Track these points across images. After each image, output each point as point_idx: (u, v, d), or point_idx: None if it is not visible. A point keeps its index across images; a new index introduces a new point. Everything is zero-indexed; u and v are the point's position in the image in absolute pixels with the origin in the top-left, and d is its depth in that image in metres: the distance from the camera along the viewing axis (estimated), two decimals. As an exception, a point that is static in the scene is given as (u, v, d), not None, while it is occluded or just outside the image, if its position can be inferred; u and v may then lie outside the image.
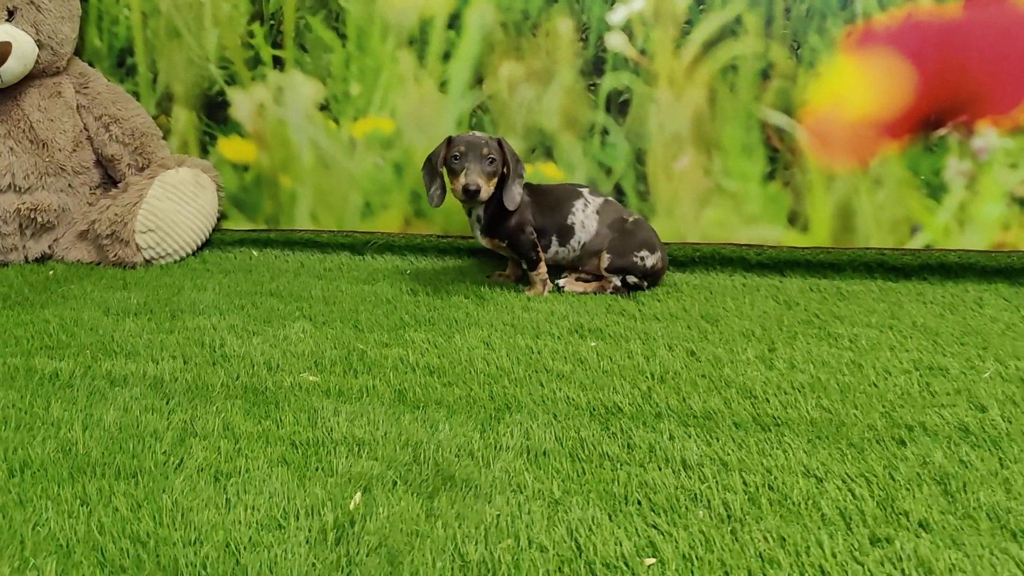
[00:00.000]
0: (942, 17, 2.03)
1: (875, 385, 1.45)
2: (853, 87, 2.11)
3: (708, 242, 2.27)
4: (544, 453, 1.20)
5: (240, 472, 1.15)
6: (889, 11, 2.06)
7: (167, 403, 1.37)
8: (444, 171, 1.95)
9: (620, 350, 1.63)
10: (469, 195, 1.86)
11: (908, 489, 1.10)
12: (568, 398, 1.39)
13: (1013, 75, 2.02)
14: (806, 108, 2.15)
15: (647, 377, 1.49)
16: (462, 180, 1.86)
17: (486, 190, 1.88)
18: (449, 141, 1.94)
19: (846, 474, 1.14)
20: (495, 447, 1.22)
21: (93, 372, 1.50)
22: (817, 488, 1.10)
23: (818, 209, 2.20)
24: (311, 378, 1.48)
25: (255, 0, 2.38)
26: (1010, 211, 2.11)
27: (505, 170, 1.96)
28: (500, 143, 1.93)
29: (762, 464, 1.16)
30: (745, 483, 1.12)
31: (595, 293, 2.06)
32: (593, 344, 1.67)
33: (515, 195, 1.96)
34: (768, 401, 1.38)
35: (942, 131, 2.10)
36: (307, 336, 1.71)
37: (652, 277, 2.06)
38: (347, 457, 1.19)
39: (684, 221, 2.27)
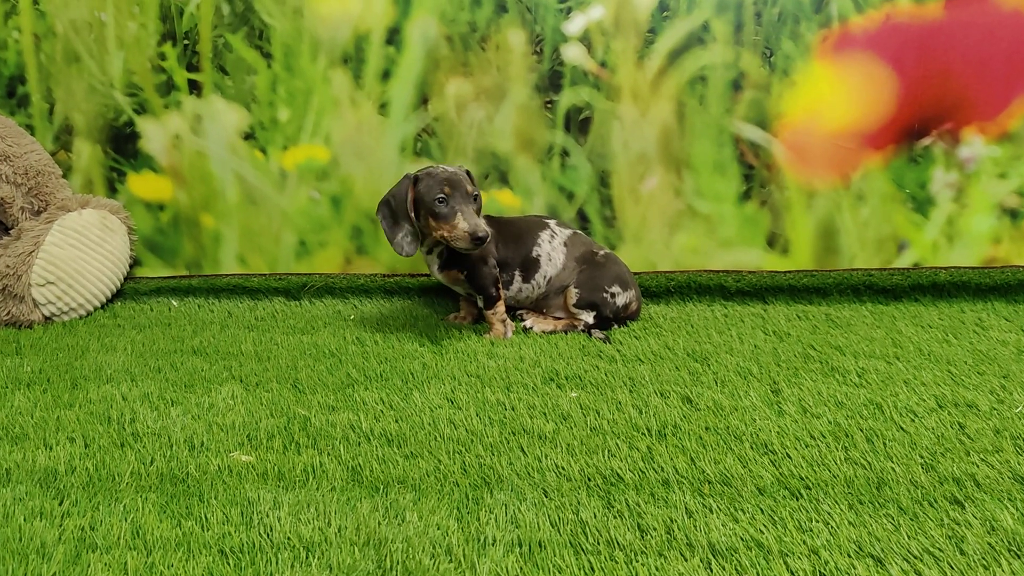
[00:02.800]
0: (922, 18, 1.90)
1: (903, 430, 1.27)
2: (831, 96, 1.96)
3: (682, 270, 2.08)
4: (540, 545, 0.97)
5: (152, 599, 0.88)
6: (866, 13, 1.92)
7: (60, 504, 1.09)
8: (412, 215, 1.71)
9: (606, 400, 1.41)
10: (478, 242, 1.63)
11: (985, 566, 0.90)
12: (557, 467, 1.16)
13: (999, 78, 1.89)
14: (782, 120, 2.00)
15: (644, 434, 1.27)
16: (463, 226, 1.64)
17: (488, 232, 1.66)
18: (416, 180, 1.70)
19: (907, 551, 0.94)
20: (478, 540, 0.98)
21: (-33, 465, 1.21)
22: (879, 573, 0.89)
23: (799, 229, 2.03)
24: (244, 458, 1.22)
25: (166, 18, 2.11)
26: (1000, 224, 1.97)
27: None
28: (469, 173, 1.75)
29: (805, 543, 0.95)
30: (792, 572, 0.90)
31: (564, 331, 1.84)
32: (574, 394, 1.44)
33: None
34: (790, 457, 1.18)
35: (927, 141, 1.96)
36: (237, 402, 1.44)
37: (623, 319, 1.86)
38: (292, 567, 0.93)
39: (655, 248, 2.08)
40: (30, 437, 1.31)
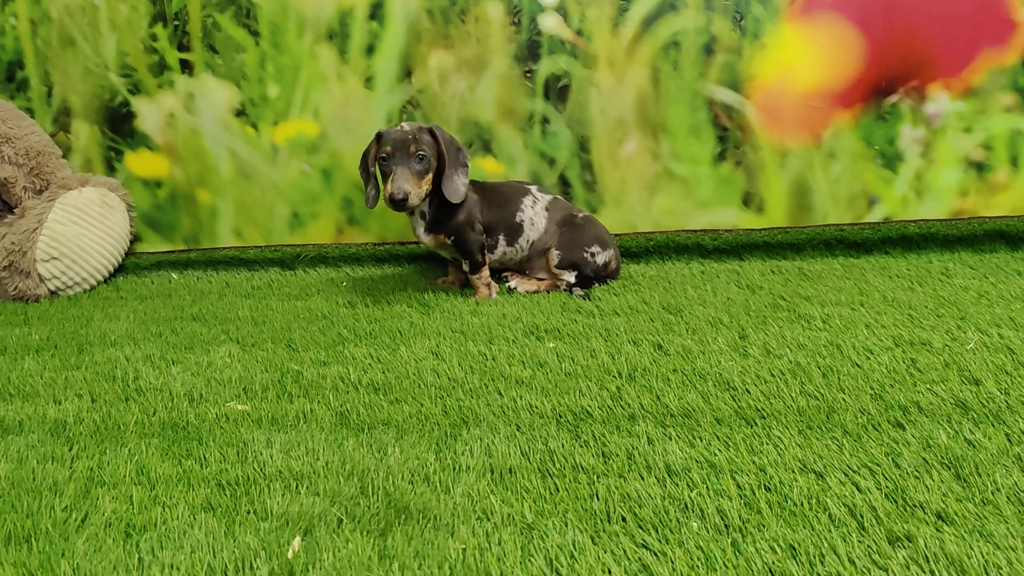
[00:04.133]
0: (886, -21, 1.96)
1: (858, 366, 1.34)
2: (800, 57, 2.02)
3: (661, 230, 2.15)
4: (510, 471, 1.05)
5: (156, 524, 0.97)
6: (832, -24, 1.98)
7: (70, 449, 1.18)
8: (377, 171, 1.80)
9: (582, 349, 1.49)
10: (395, 205, 1.70)
11: (917, 477, 0.98)
12: (531, 406, 1.25)
13: (961, 36, 1.96)
14: (754, 83, 2.06)
15: (615, 376, 1.35)
16: (387, 188, 1.71)
17: (416, 194, 1.72)
18: (378, 137, 1.78)
19: (847, 466, 1.02)
20: (453, 468, 1.07)
21: (-18, 420, 1.30)
22: (819, 485, 0.98)
23: (773, 188, 2.10)
24: (239, 407, 1.31)
25: (156, 0, 2.18)
26: (967, 177, 2.04)
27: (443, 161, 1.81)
28: (432, 132, 1.78)
29: (754, 463, 1.04)
30: (739, 486, 0.99)
31: (547, 291, 1.92)
32: (552, 345, 1.53)
33: (458, 186, 1.80)
34: (749, 392, 1.26)
35: (894, 98, 2.03)
36: (234, 360, 1.53)
37: (604, 277, 1.94)
38: (283, 495, 1.02)
39: (634, 210, 2.15)
40: (40, 394, 1.39)
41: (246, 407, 1.31)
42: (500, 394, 1.30)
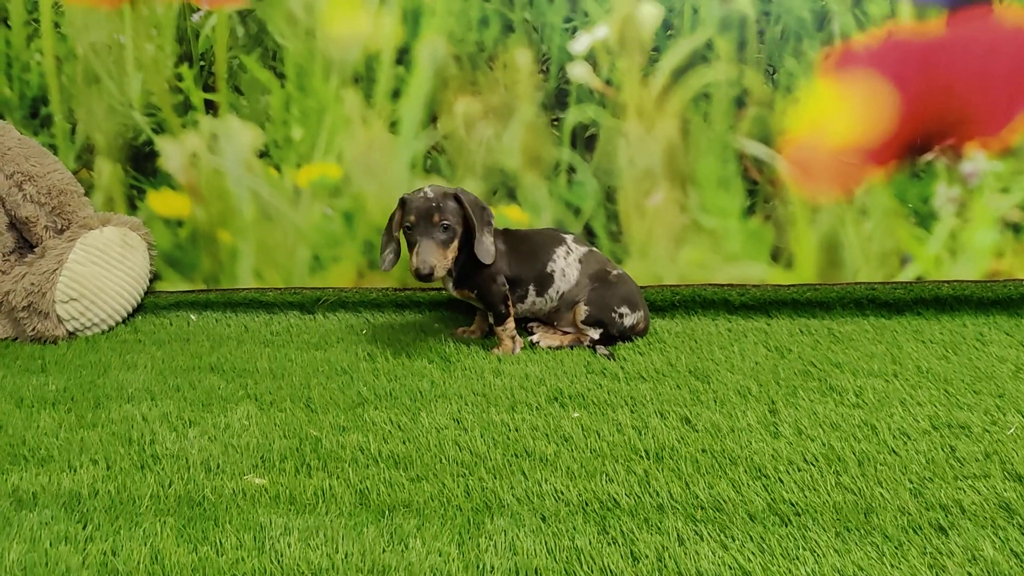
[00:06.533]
0: (924, 35, 1.92)
1: (895, 452, 1.30)
2: (834, 112, 1.98)
3: (687, 284, 2.11)
4: (536, 572, 1.02)
5: (169, 625, 0.94)
6: (868, 30, 1.93)
7: (84, 527, 1.15)
8: (400, 235, 1.80)
9: (607, 421, 1.45)
10: (421, 279, 1.69)
11: (964, 596, 0.94)
12: (556, 492, 1.21)
13: (1001, 94, 1.91)
14: (785, 136, 2.02)
15: (642, 457, 1.31)
16: (413, 261, 1.70)
17: (442, 266, 1.71)
18: (402, 203, 1.76)
19: (889, 580, 0.97)
20: (477, 567, 1.03)
21: (-3, 488, 1.28)
22: (860, 603, 0.93)
23: (802, 243, 2.06)
24: (257, 481, 1.28)
25: (182, 40, 2.17)
26: (1003, 238, 1.99)
27: (470, 224, 1.79)
28: (457, 197, 1.76)
29: (791, 573, 0.99)
30: (776, 601, 0.94)
31: (571, 347, 1.88)
32: (576, 415, 1.49)
33: (488, 247, 1.79)
34: (782, 481, 1.22)
35: (929, 156, 1.98)
36: (252, 423, 1.50)
37: (629, 337, 1.90)
38: (301, 594, 0.99)
39: (660, 262, 2.11)
40: (55, 459, 1.37)
41: (263, 481, 1.28)
42: (524, 475, 1.26)
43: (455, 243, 1.75)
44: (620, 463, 1.29)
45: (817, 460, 1.28)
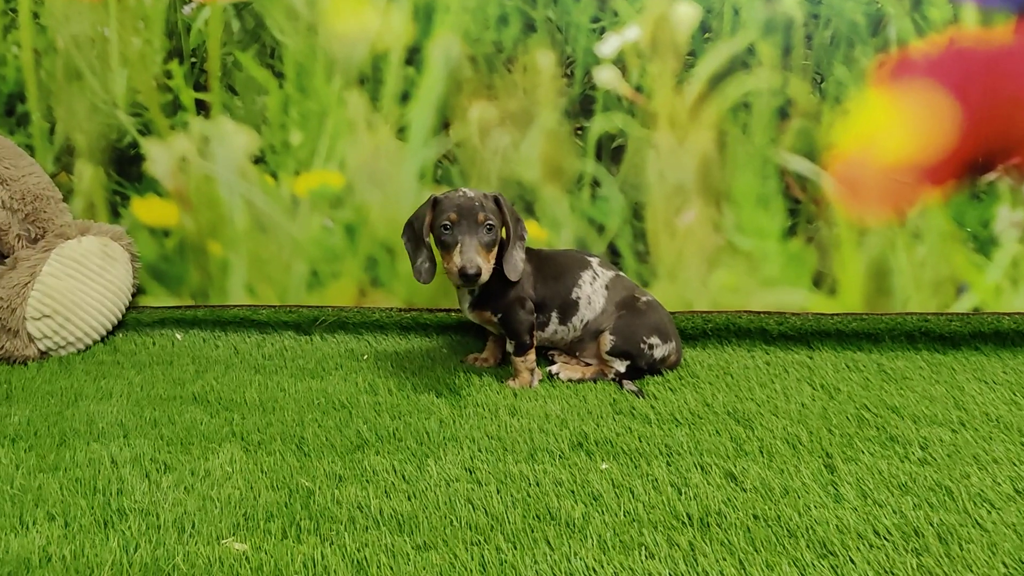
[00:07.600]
0: (990, 43, 1.75)
1: (980, 525, 1.12)
2: (887, 126, 1.82)
3: (720, 310, 1.94)
4: None
5: None
6: (928, 37, 1.76)
7: (28, 607, 0.97)
8: (431, 240, 1.60)
9: (641, 476, 1.27)
10: (467, 280, 1.49)
11: None
12: (588, 569, 1.03)
13: (1074, 110, 1.73)
14: (832, 152, 1.85)
15: (685, 524, 1.13)
16: (457, 260, 1.50)
17: (487, 269, 1.52)
18: (435, 203, 1.57)
19: None
20: (498, 675, 0.85)
21: (-67, 549, 1.10)
22: None
23: (848, 269, 1.89)
24: (237, 546, 1.09)
25: (172, 34, 1.99)
26: (1071, 267, 1.81)
27: (504, 233, 1.62)
28: (498, 200, 1.59)
29: None
30: None
31: (593, 380, 1.71)
32: (605, 466, 1.31)
33: (517, 263, 1.61)
34: (853, 562, 1.04)
35: (991, 176, 1.82)
36: (236, 470, 1.31)
37: (659, 370, 1.72)
38: None
39: (691, 286, 1.94)
40: (5, 513, 1.18)
41: (244, 547, 1.09)
42: (549, 545, 1.08)
43: (495, 250, 1.57)
44: (660, 531, 1.11)
45: (891, 534, 1.10)
